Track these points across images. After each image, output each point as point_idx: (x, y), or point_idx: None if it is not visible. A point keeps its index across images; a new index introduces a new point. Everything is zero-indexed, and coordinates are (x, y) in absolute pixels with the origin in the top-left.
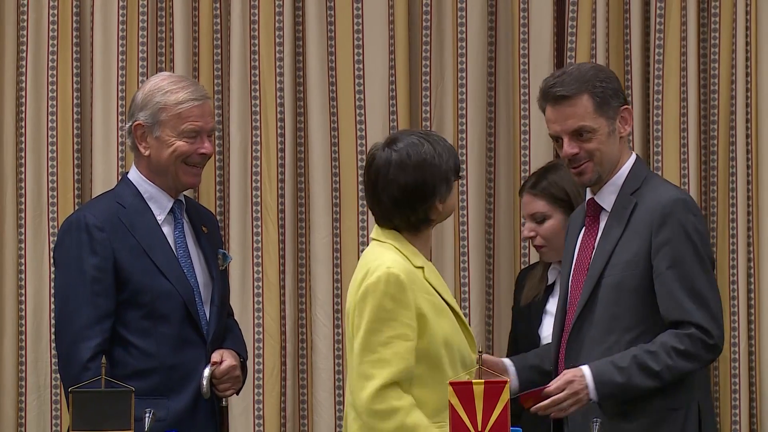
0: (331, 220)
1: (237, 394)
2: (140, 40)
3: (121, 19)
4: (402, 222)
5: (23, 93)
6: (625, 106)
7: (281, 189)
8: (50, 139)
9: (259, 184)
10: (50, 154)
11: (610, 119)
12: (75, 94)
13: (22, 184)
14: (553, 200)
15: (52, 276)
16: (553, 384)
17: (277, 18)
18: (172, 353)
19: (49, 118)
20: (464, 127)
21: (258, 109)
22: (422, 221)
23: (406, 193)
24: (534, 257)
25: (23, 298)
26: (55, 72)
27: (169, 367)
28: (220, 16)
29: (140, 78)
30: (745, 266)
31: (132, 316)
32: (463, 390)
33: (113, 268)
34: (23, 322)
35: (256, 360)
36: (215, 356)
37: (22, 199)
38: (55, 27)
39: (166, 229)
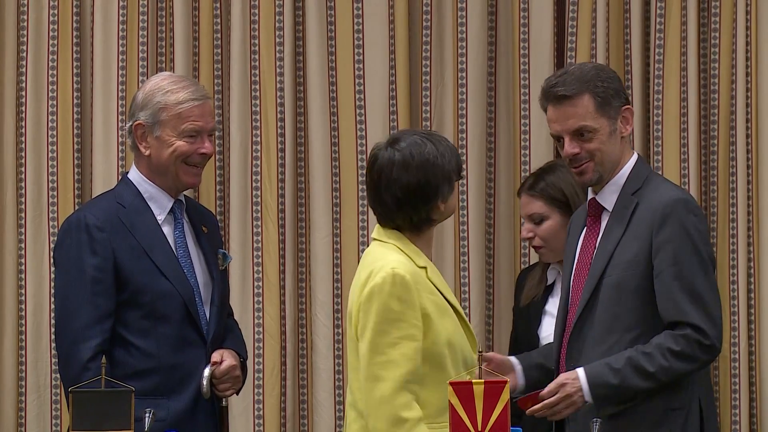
0: (331, 220)
1: (237, 394)
2: (140, 40)
3: (121, 19)
4: (404, 222)
5: (23, 93)
6: (627, 106)
7: (281, 189)
8: (50, 139)
9: (259, 184)
10: (50, 154)
11: (612, 119)
12: (75, 94)
13: (22, 184)
14: (550, 201)
15: (52, 276)
16: (547, 387)
17: (277, 18)
18: (172, 353)
19: (49, 118)
20: (464, 127)
21: (258, 109)
22: (424, 221)
23: (409, 192)
24: (534, 257)
25: (23, 298)
26: (55, 72)
27: (169, 367)
28: (220, 16)
29: (140, 78)
30: (745, 266)
31: (132, 316)
32: (463, 390)
33: (113, 268)
34: (23, 322)
35: (256, 360)
36: (215, 356)
37: (22, 199)
38: (55, 27)
39: (166, 229)
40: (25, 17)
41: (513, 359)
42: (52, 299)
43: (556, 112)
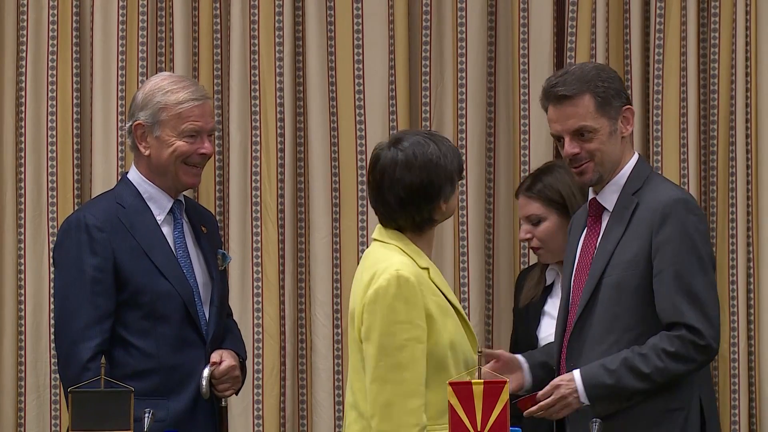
0: (331, 220)
1: (236, 394)
2: (140, 40)
3: (121, 19)
4: (406, 222)
5: (23, 93)
6: (627, 106)
7: (281, 189)
8: (50, 139)
9: (259, 184)
10: (50, 154)
11: (612, 119)
12: (75, 94)
13: (22, 184)
14: (548, 202)
15: (52, 276)
16: (543, 390)
17: (277, 18)
18: (172, 354)
19: (49, 118)
20: (464, 127)
21: (258, 109)
22: (426, 221)
23: (412, 193)
24: (534, 258)
25: (23, 298)
26: (55, 72)
27: (168, 367)
28: (220, 16)
29: (140, 78)
30: (745, 266)
31: (132, 316)
32: (462, 390)
33: (113, 268)
34: (23, 322)
35: (256, 360)
36: (214, 356)
37: (22, 199)
38: (55, 27)
39: (166, 230)
40: (25, 17)
41: (520, 357)
42: (52, 299)
43: (557, 111)
